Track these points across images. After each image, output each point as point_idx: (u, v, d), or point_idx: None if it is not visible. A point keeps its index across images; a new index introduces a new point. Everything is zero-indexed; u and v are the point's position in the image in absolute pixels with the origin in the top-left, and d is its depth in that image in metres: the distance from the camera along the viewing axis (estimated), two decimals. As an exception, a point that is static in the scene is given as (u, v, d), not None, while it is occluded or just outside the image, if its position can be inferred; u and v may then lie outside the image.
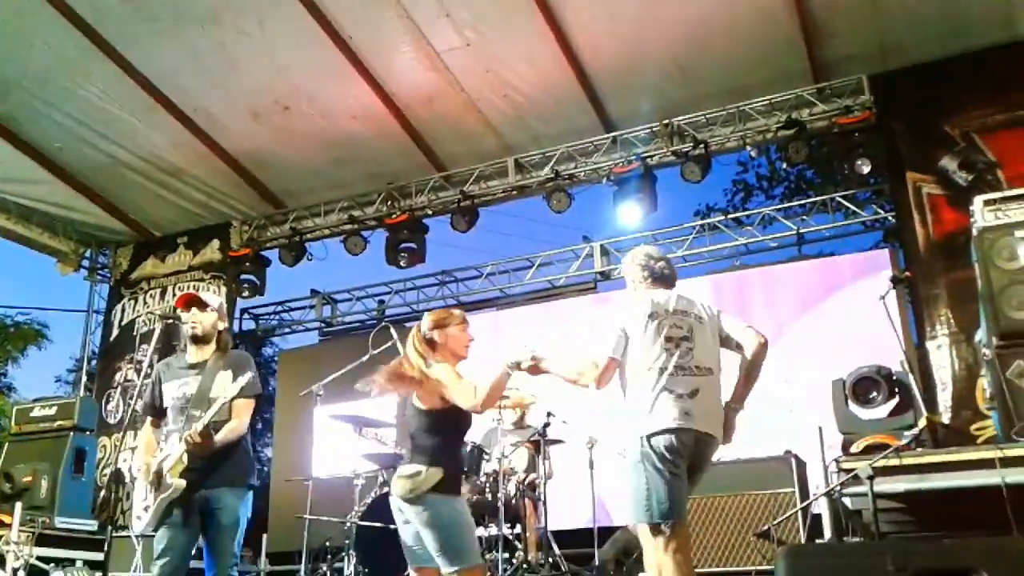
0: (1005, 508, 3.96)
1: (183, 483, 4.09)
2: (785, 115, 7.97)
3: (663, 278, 3.97)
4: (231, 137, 9.19)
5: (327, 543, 7.07)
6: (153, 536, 4.21)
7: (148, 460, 4.24)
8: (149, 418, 4.52)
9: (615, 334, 3.73)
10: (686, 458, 3.53)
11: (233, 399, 4.18)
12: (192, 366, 4.42)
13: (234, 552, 4.21)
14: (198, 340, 4.45)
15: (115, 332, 10.66)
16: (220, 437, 4.16)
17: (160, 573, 4.05)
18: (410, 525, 3.74)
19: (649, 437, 3.53)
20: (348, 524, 6.45)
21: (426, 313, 4.14)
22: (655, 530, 3.45)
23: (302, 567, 6.70)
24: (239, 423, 4.27)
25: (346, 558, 6.41)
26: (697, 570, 5.14)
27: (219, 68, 8.26)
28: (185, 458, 4.10)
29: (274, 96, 8.57)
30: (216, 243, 10.37)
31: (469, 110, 8.66)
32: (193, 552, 4.27)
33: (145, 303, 10.54)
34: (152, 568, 4.13)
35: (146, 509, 4.15)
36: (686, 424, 3.52)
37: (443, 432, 3.82)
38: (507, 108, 8.65)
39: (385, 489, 6.57)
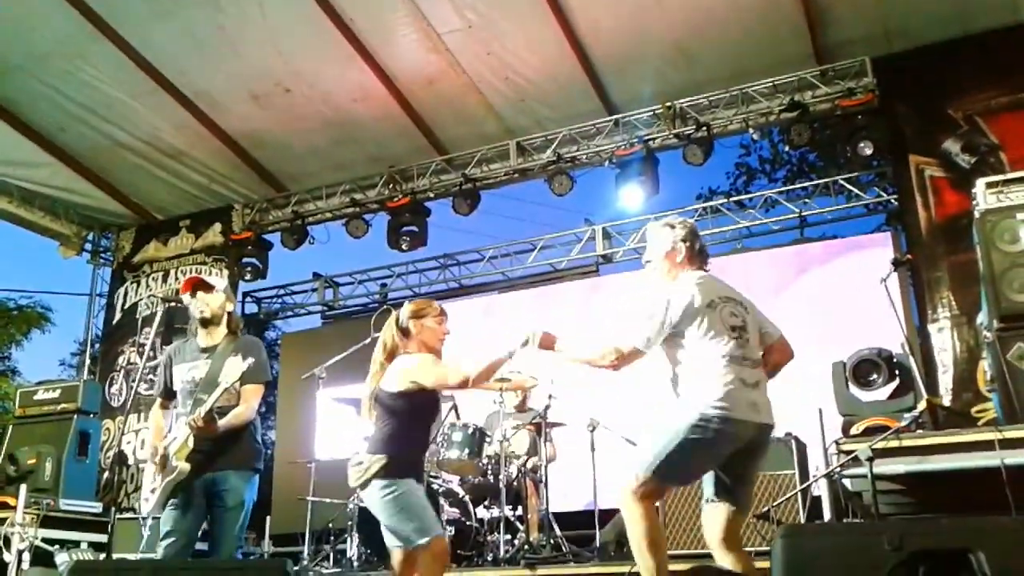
0: (1004, 490, 3.97)
1: (187, 466, 4.12)
2: (788, 97, 7.95)
3: (705, 257, 3.92)
4: (232, 120, 9.18)
5: (330, 524, 7.13)
6: (160, 518, 4.25)
7: (156, 444, 4.28)
8: (159, 400, 4.56)
9: (655, 326, 3.58)
10: (734, 446, 3.47)
11: (241, 385, 4.22)
12: (204, 350, 4.44)
13: (238, 535, 4.25)
14: (207, 323, 4.46)
15: (118, 315, 10.67)
16: (225, 422, 4.19)
17: (165, 555, 4.09)
18: None
19: (711, 420, 3.41)
20: (351, 506, 6.49)
21: (406, 302, 4.19)
22: (648, 480, 3.43)
23: (305, 548, 6.75)
24: (246, 408, 4.29)
25: (349, 539, 6.45)
26: (697, 551, 5.17)
27: (220, 50, 8.23)
28: (191, 441, 4.13)
29: (275, 78, 8.54)
30: (218, 226, 10.37)
31: (470, 93, 8.63)
32: (199, 534, 4.31)
33: (147, 286, 10.56)
34: (157, 550, 4.16)
35: (153, 491, 4.19)
36: (752, 418, 3.47)
37: (399, 417, 3.90)
38: (509, 91, 8.63)
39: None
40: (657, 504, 3.76)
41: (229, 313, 4.54)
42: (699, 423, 3.42)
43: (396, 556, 3.91)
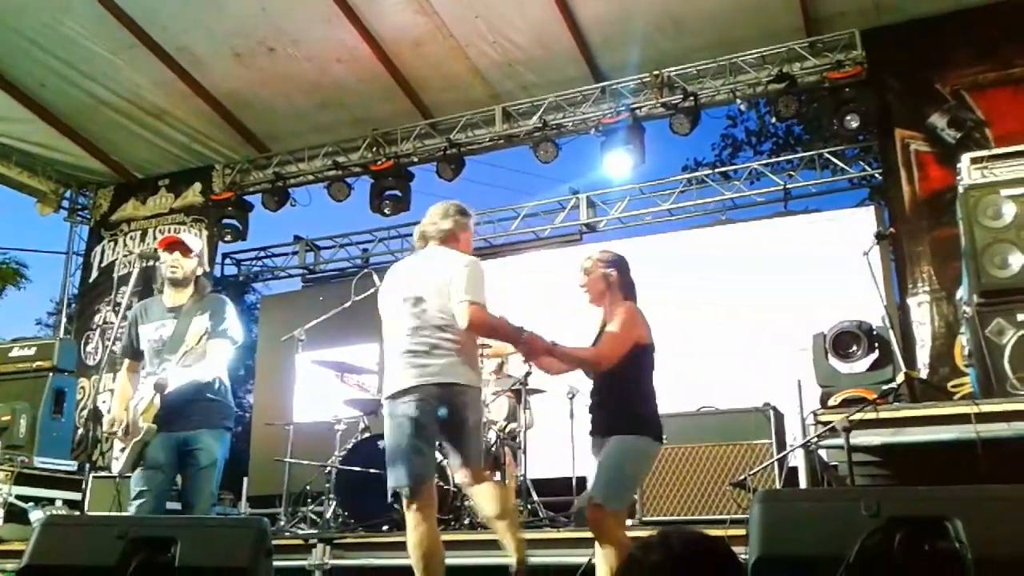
0: (979, 463, 4.00)
1: (154, 427, 4.11)
2: (776, 69, 7.90)
3: (435, 236, 3.99)
4: (214, 78, 9.02)
5: (307, 487, 7.11)
6: (130, 477, 4.23)
7: (119, 414, 4.24)
8: (127, 361, 4.52)
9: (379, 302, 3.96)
10: (428, 416, 3.63)
11: (207, 340, 4.20)
12: (171, 309, 4.42)
13: (212, 492, 4.24)
14: (177, 283, 4.44)
15: (94, 274, 10.56)
16: (186, 375, 4.16)
17: (137, 514, 4.07)
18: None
19: (390, 400, 3.69)
20: (329, 469, 6.48)
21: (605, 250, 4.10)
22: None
23: (282, 510, 6.75)
24: (209, 363, 4.27)
25: (326, 502, 6.45)
26: (673, 518, 5.20)
27: (202, 7, 8.07)
28: (158, 401, 4.11)
29: (258, 37, 8.39)
30: (198, 186, 10.24)
31: (457, 56, 8.52)
32: (170, 494, 4.30)
33: (125, 245, 10.44)
34: (129, 509, 4.15)
35: (123, 450, 4.17)
36: (401, 386, 3.67)
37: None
38: (496, 55, 8.51)
39: (367, 434, 6.60)
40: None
41: (198, 276, 4.53)
42: (386, 411, 3.75)
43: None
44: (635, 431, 3.65)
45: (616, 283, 3.92)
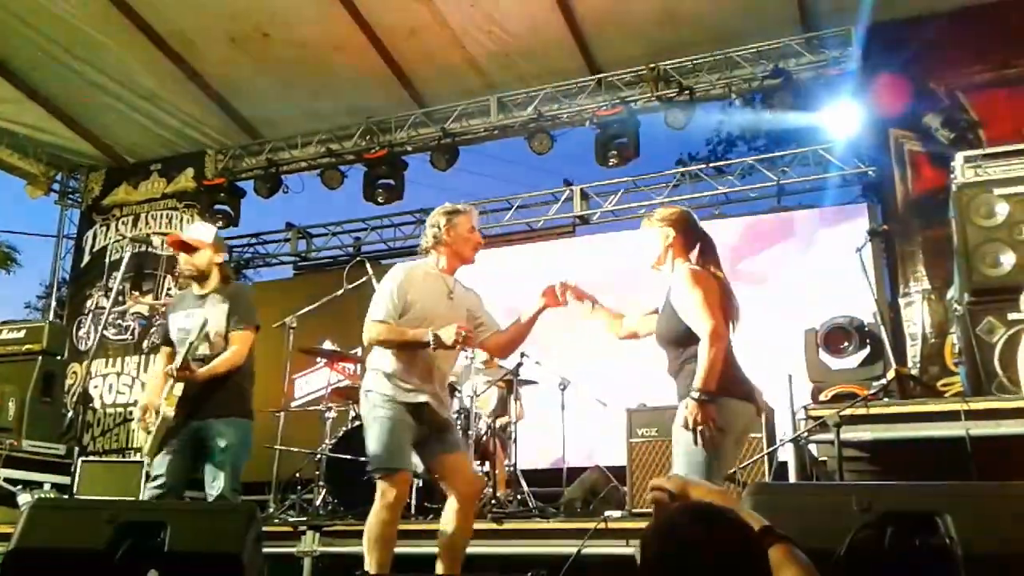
0: (968, 460, 4.02)
1: (171, 412, 4.18)
2: (772, 64, 7.91)
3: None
4: (208, 63, 8.98)
5: (297, 474, 7.10)
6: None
7: (148, 402, 4.31)
8: (164, 348, 4.60)
9: None
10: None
11: (228, 332, 4.28)
12: (199, 298, 4.51)
13: (231, 479, 4.31)
14: (196, 278, 4.50)
15: (86, 258, 10.48)
16: (207, 369, 4.23)
17: (152, 495, 4.19)
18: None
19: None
20: (319, 456, 6.47)
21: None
22: None
23: (271, 497, 6.74)
24: (233, 354, 4.34)
25: (315, 489, 6.44)
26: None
27: (197, -11, 8.03)
28: (178, 389, 4.17)
29: (253, 22, 8.34)
30: (190, 171, 10.17)
31: (453, 45, 8.50)
32: (188, 480, 4.37)
33: (117, 230, 10.36)
34: (145, 491, 4.23)
35: (149, 434, 4.27)
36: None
37: None
38: (492, 45, 8.49)
39: (357, 423, 6.58)
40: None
41: (219, 264, 4.57)
42: None
43: None
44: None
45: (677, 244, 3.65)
